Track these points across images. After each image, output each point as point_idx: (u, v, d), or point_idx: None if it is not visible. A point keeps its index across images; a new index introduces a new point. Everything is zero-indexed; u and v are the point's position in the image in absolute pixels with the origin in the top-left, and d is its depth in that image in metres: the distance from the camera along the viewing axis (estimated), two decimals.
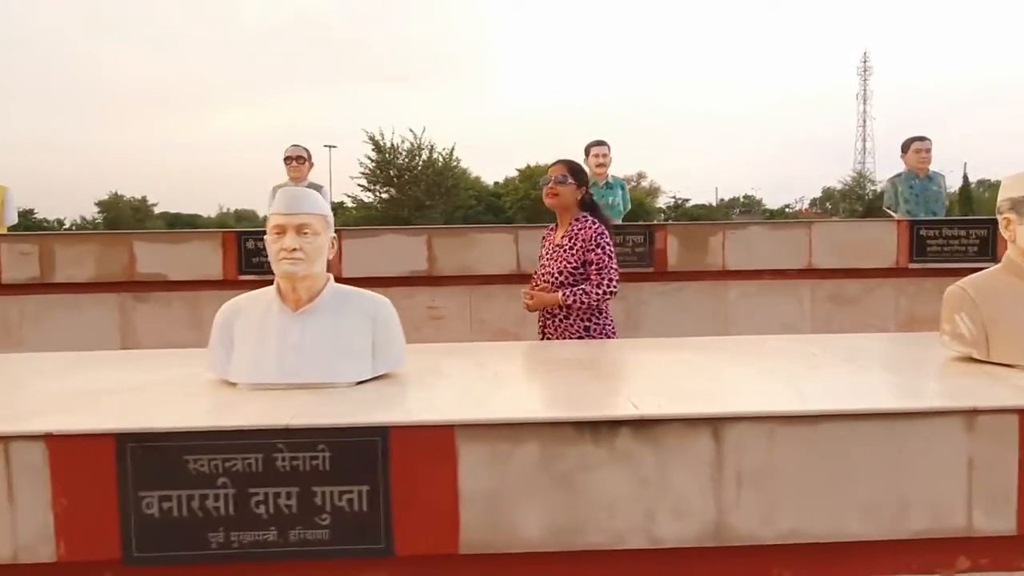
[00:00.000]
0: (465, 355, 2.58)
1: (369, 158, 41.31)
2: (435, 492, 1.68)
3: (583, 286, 3.26)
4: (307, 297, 2.10)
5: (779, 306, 5.40)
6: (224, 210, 63.35)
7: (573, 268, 3.30)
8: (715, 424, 1.70)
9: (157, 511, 1.65)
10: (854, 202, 54.80)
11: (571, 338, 3.30)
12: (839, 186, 60.60)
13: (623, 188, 6.04)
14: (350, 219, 41.75)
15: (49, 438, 1.64)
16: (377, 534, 1.68)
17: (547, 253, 3.49)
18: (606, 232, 3.33)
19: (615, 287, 3.28)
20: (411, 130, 42.46)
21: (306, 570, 1.71)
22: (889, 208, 6.14)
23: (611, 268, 3.28)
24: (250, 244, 5.31)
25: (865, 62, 76.17)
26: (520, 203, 50.22)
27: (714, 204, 61.43)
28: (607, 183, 5.91)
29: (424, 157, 42.80)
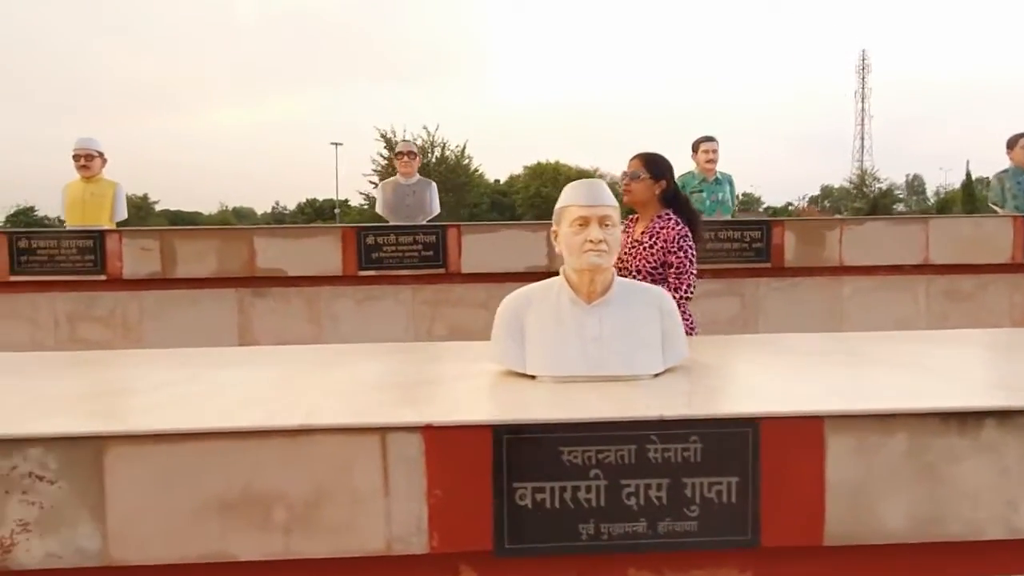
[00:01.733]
0: (718, 347, 2.57)
1: (381, 155, 41.41)
2: (802, 483, 1.67)
3: (662, 288, 3.20)
4: (601, 289, 2.09)
5: (894, 302, 5.39)
6: (224, 207, 63.70)
7: (652, 268, 3.22)
8: None
9: (530, 502, 1.65)
10: (854, 199, 54.93)
11: None
12: (838, 184, 60.89)
13: (731, 183, 6.04)
14: (365, 216, 41.87)
15: (427, 430, 1.63)
16: (744, 525, 1.68)
17: (625, 247, 3.36)
18: (689, 235, 3.21)
19: (692, 292, 3.20)
20: (424, 127, 42.58)
21: (670, 561, 1.70)
22: (995, 204, 6.13)
23: (690, 272, 3.19)
24: (370, 240, 5.30)
25: (863, 60, 76.05)
26: (531, 200, 50.30)
27: None
28: (716, 179, 5.90)
29: (436, 154, 42.91)
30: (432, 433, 1.64)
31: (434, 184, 6.05)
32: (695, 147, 5.92)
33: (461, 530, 1.65)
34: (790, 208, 63.13)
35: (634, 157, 3.36)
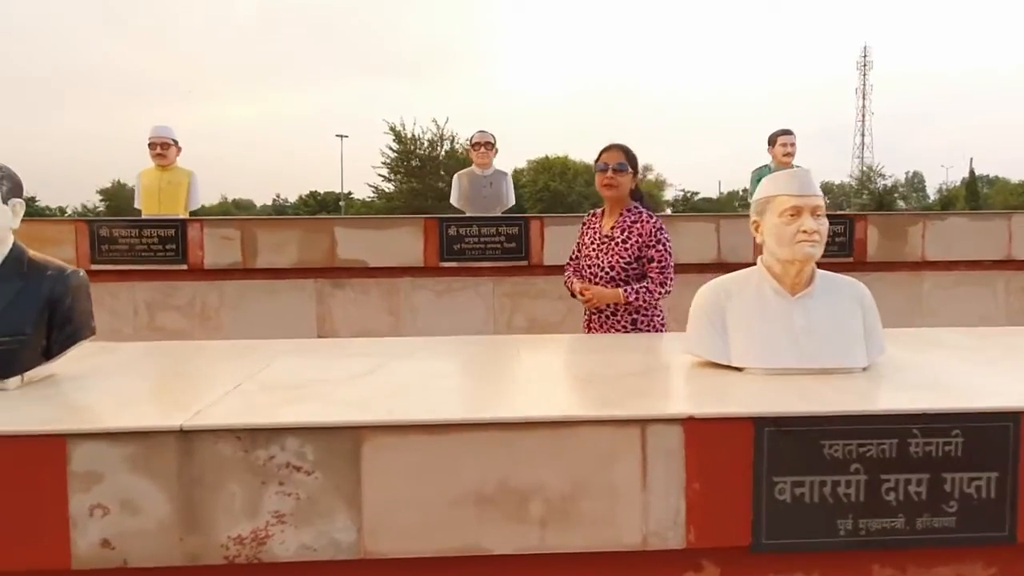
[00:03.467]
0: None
1: (391, 148, 41.26)
2: None
3: (645, 284, 3.02)
4: (805, 280, 2.06)
5: (974, 298, 5.35)
6: (224, 199, 63.75)
7: (626, 263, 3.05)
8: None
9: (789, 497, 1.62)
10: (858, 195, 54.96)
11: (617, 332, 3.07)
12: (839, 181, 61.01)
13: None
14: (372, 209, 41.76)
15: (688, 422, 1.60)
16: (1002, 521, 1.64)
17: (593, 243, 3.18)
18: (664, 227, 3.08)
19: (673, 286, 3.05)
20: (434, 120, 42.44)
21: (915, 558, 1.68)
22: None
23: (671, 266, 3.06)
24: (452, 231, 5.26)
25: (865, 56, 75.62)
26: (539, 195, 50.15)
27: (715, 197, 61.39)
28: None
29: (446, 148, 42.70)
30: (693, 425, 1.60)
31: (509, 175, 5.99)
32: (772, 140, 5.85)
33: (718, 525, 1.62)
34: None
35: (613, 148, 3.16)
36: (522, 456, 1.59)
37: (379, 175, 41.94)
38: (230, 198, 65.16)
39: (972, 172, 52.87)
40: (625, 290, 3.01)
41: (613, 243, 3.07)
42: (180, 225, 5.23)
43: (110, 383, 1.97)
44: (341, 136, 51.99)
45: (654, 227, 3.04)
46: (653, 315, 3.09)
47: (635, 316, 3.06)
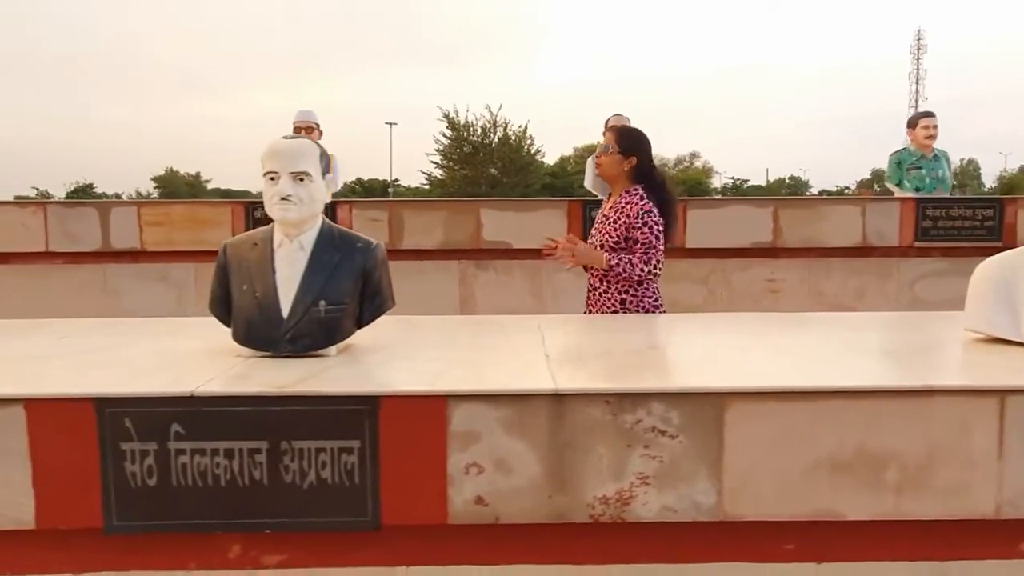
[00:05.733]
0: None
1: (444, 135, 41.57)
2: None
3: (630, 257, 3.01)
4: None
5: None
6: None
7: (614, 243, 3.07)
8: None
9: None
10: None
11: (607, 311, 3.10)
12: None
13: (948, 160, 5.88)
14: (420, 194, 42.04)
15: None
16: None
17: (597, 223, 3.27)
18: (654, 211, 3.05)
19: (660, 268, 3.04)
20: (487, 107, 42.56)
21: None
22: None
23: (658, 248, 3.02)
24: (595, 214, 5.29)
25: (919, 40, 73.06)
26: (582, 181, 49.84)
27: (763, 184, 60.49)
28: (935, 155, 5.75)
29: (499, 135, 42.82)
30: None
31: None
32: (912, 123, 5.75)
33: None
34: (846, 192, 61.97)
35: (607, 131, 3.23)
36: (879, 424, 1.62)
37: (432, 162, 42.32)
38: None
39: None
40: (609, 255, 3.03)
41: (608, 222, 3.12)
42: (330, 207, 5.35)
43: (423, 352, 2.06)
44: (391, 124, 52.71)
45: (641, 209, 3.03)
46: (643, 296, 3.09)
47: (623, 296, 3.08)
